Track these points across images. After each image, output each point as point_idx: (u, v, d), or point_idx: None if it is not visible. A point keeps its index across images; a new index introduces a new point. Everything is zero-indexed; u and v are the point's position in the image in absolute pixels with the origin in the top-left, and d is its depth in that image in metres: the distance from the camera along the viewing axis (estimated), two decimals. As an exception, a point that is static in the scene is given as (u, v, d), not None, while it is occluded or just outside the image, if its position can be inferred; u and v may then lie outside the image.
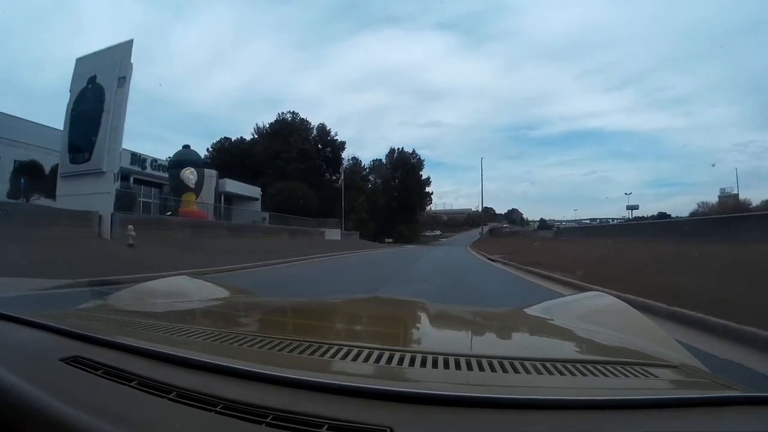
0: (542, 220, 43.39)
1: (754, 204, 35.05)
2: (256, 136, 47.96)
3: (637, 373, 0.66)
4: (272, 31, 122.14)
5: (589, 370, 0.65)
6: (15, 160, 17.66)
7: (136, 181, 23.68)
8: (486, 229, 61.11)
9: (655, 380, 0.67)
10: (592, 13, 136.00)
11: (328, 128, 50.47)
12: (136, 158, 23.96)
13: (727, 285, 5.25)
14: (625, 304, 1.31)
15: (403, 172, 54.71)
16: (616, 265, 9.33)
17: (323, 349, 0.71)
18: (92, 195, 12.86)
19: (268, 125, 48.55)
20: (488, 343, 1.09)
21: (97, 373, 0.61)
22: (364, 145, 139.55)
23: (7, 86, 41.31)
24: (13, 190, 16.63)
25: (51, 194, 14.59)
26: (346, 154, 52.21)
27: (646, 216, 47.50)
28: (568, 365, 0.66)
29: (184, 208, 20.59)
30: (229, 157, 43.94)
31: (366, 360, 0.66)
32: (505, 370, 0.63)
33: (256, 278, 8.66)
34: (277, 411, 0.49)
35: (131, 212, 16.62)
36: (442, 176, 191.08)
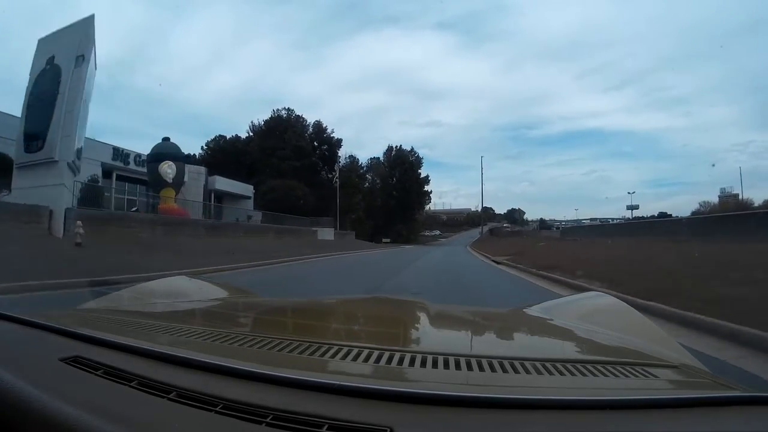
0: (542, 220, 42.35)
1: (756, 204, 34.82)
2: (251, 134, 46.79)
3: (637, 373, 0.66)
4: (272, 31, 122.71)
5: (589, 370, 0.65)
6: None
7: (119, 177, 22.47)
8: (486, 228, 59.59)
9: (655, 380, 0.67)
10: (592, 13, 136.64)
11: (324, 125, 49.03)
12: (119, 153, 22.37)
13: None
14: (625, 304, 1.32)
15: (402, 170, 53.26)
16: (665, 269, 7.14)
17: (323, 349, 0.71)
18: (46, 187, 11.42)
19: (263, 122, 47.27)
20: (488, 343, 1.08)
21: (97, 373, 0.61)
22: (364, 145, 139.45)
23: (7, 86, 41.34)
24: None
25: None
26: (343, 152, 50.91)
27: (645, 216, 47.56)
28: (568, 365, 0.66)
29: (163, 205, 19.19)
30: (224, 155, 43.07)
31: (366, 360, 0.66)
32: (505, 370, 0.63)
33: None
34: (277, 411, 0.48)
35: (100, 208, 15.15)
36: (441, 176, 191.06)
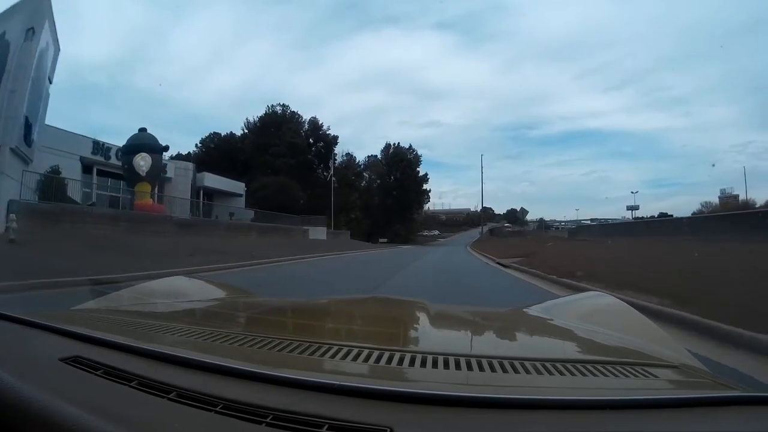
0: (542, 220, 40.96)
1: (759, 204, 34.17)
2: (246, 131, 45.65)
3: (637, 373, 0.66)
4: (271, 31, 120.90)
5: (589, 370, 0.65)
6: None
7: (101, 173, 20.94)
8: (485, 229, 58.13)
9: (655, 380, 0.67)
10: (592, 13, 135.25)
11: (320, 122, 47.63)
12: (99, 147, 20.68)
13: None
14: (625, 304, 1.31)
15: (400, 168, 51.34)
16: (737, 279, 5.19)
17: (323, 349, 0.71)
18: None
19: (257, 118, 45.95)
20: (488, 343, 1.08)
21: (97, 373, 0.60)
22: (364, 145, 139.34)
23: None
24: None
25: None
26: (340, 151, 49.49)
27: (644, 216, 46.66)
28: (568, 365, 0.66)
29: (138, 201, 17.74)
30: (219, 152, 42.13)
31: (366, 360, 0.66)
32: (505, 370, 0.63)
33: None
34: (277, 411, 0.48)
35: (62, 202, 13.69)
36: (440, 176, 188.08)
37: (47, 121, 14.75)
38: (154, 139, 18.75)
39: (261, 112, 46.70)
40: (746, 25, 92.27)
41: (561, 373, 0.63)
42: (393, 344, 0.80)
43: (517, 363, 0.65)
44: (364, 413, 0.48)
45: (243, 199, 33.66)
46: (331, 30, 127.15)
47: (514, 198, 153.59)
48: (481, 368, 0.64)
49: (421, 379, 0.63)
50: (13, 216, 8.96)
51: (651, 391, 0.63)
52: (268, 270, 10.40)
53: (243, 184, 34.35)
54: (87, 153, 20.19)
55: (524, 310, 1.37)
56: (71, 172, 17.06)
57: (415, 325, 1.20)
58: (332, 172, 42.12)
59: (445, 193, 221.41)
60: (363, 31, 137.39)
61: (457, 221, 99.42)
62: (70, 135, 19.24)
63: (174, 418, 0.49)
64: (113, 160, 21.17)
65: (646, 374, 0.67)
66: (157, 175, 18.84)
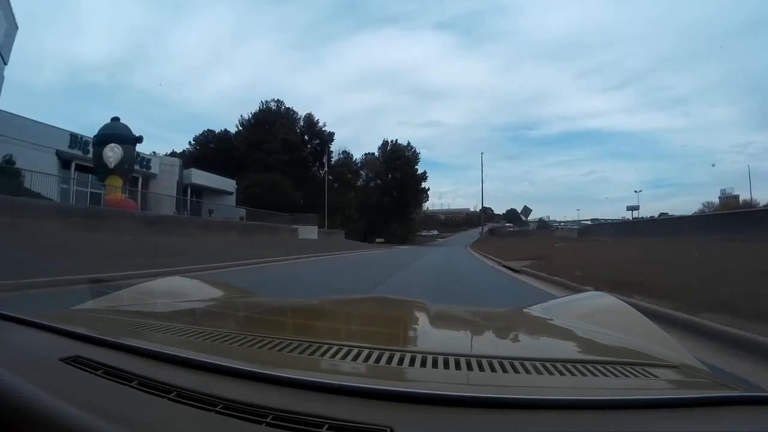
0: (541, 220, 39.46)
1: (761, 204, 33.18)
2: (240, 128, 44.26)
3: (637, 373, 0.66)
4: (270, 30, 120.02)
5: (589, 370, 0.65)
6: None
7: (80, 168, 19.50)
8: (485, 229, 56.64)
9: (655, 380, 0.67)
10: (592, 13, 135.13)
11: (316, 119, 46.24)
12: (77, 140, 19.22)
13: None
14: (625, 304, 1.32)
15: (397, 166, 49.67)
16: None
17: (323, 349, 0.70)
18: None
19: (251, 114, 44.52)
20: (488, 343, 1.08)
21: (97, 373, 0.60)
22: (362, 145, 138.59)
23: (6, 84, 39.40)
24: None
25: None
26: (337, 149, 48.04)
27: (644, 217, 45.50)
28: (568, 365, 0.66)
29: (109, 196, 16.31)
30: (212, 150, 41.26)
31: (366, 360, 0.66)
32: (505, 370, 0.63)
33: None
34: (277, 411, 0.48)
35: (16, 195, 12.24)
36: (440, 176, 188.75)
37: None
38: (126, 129, 17.20)
39: (257, 109, 45.26)
40: (746, 25, 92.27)
41: (561, 373, 0.63)
42: (393, 344, 0.81)
43: (517, 363, 0.65)
44: (364, 413, 0.48)
45: (233, 197, 32.70)
46: (331, 30, 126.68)
47: (514, 198, 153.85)
48: (481, 368, 0.64)
49: (421, 379, 0.63)
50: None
51: (651, 391, 0.63)
52: (233, 274, 8.62)
53: (234, 182, 33.35)
54: (64, 146, 18.99)
55: (524, 310, 1.37)
56: (46, 166, 16.19)
57: (415, 325, 1.21)
58: (326, 168, 40.54)
59: (445, 193, 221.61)
60: (362, 31, 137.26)
61: (456, 221, 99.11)
62: (45, 127, 18.12)
63: (174, 418, 0.49)
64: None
65: (646, 374, 0.67)
66: (130, 168, 17.34)
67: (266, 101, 44.80)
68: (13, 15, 12.58)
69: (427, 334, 1.10)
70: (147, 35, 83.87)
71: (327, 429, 0.45)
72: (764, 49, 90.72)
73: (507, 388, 0.58)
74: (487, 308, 2.18)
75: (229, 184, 32.83)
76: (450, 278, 9.00)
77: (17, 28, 13.26)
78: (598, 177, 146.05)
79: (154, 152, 28.49)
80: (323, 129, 45.83)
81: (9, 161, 13.31)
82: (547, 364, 0.65)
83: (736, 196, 42.39)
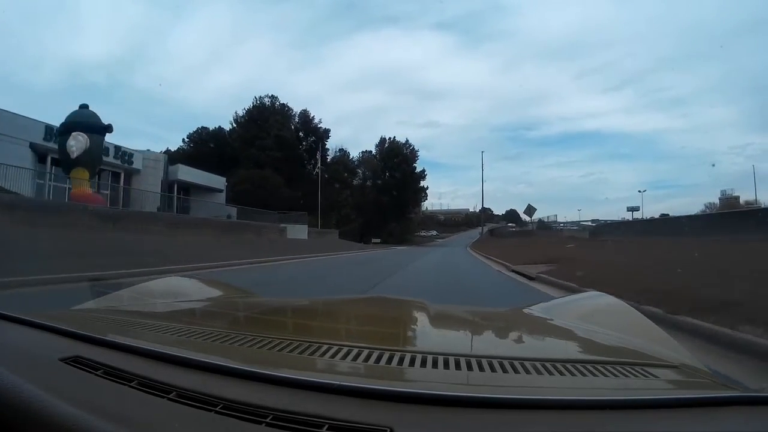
0: (541, 221, 38.15)
1: (765, 205, 32.13)
2: (234, 125, 42.80)
3: (637, 373, 0.66)
4: (269, 30, 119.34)
5: (589, 370, 0.65)
6: None
7: (55, 161, 18.07)
8: (485, 229, 55.13)
9: (655, 380, 0.66)
10: (591, 13, 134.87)
11: (311, 115, 44.63)
12: (53, 133, 17.87)
13: None
14: (625, 304, 1.31)
15: (395, 164, 47.46)
16: None
17: (323, 349, 0.70)
18: None
19: (244, 110, 43.04)
20: (488, 343, 1.08)
21: (97, 373, 0.60)
22: (362, 145, 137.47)
23: (6, 83, 40.64)
24: None
25: None
26: (334, 147, 46.52)
27: (643, 218, 44.51)
28: (568, 365, 0.66)
29: (76, 189, 14.81)
30: (206, 147, 40.07)
31: (366, 360, 0.66)
32: (505, 370, 0.63)
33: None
34: (277, 411, 0.48)
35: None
36: (439, 177, 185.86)
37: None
38: (94, 117, 15.49)
39: (251, 105, 43.86)
40: (745, 26, 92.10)
41: (561, 373, 0.63)
42: (393, 344, 0.81)
43: (517, 363, 0.65)
44: (364, 413, 0.48)
45: (223, 195, 31.28)
46: (330, 30, 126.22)
47: (513, 199, 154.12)
48: (481, 368, 0.63)
49: (421, 379, 0.63)
50: None
51: (651, 391, 0.63)
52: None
53: (223, 179, 31.90)
54: (38, 139, 17.74)
55: (524, 310, 1.36)
56: (21, 159, 15.46)
57: (414, 325, 1.21)
58: (320, 164, 38.84)
59: (444, 193, 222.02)
60: (362, 30, 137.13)
61: (455, 221, 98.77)
62: (18, 118, 17.08)
63: (174, 418, 0.49)
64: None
65: (646, 374, 0.66)
66: (97, 159, 15.69)
67: (260, 97, 43.27)
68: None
69: (427, 334, 1.10)
70: (146, 35, 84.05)
71: (327, 429, 0.45)
72: (764, 50, 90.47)
73: (507, 388, 0.59)
74: (487, 308, 2.19)
75: (218, 181, 31.49)
76: (452, 288, 7.30)
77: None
78: (598, 178, 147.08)
79: (148, 150, 27.19)
80: (319, 126, 44.30)
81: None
82: (547, 364, 0.65)
83: (737, 197, 42.29)
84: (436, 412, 0.49)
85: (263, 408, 0.49)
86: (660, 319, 3.87)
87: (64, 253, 7.57)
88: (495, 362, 0.65)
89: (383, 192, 46.88)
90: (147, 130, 72.05)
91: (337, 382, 0.53)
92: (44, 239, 8.81)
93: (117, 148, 23.85)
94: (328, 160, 45.06)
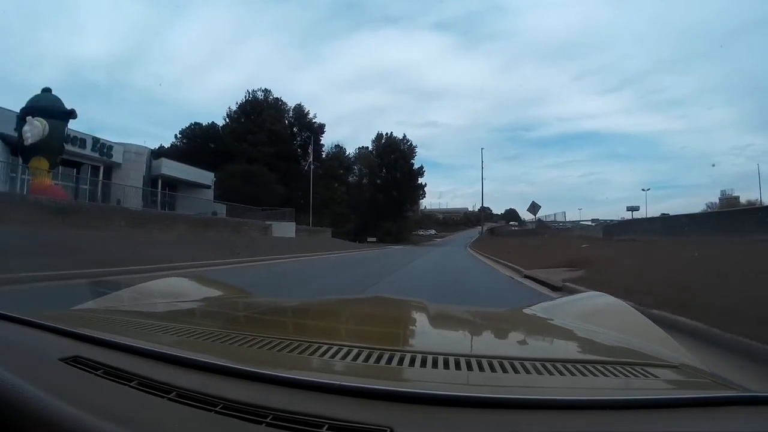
0: (540, 221, 36.83)
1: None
2: (227, 121, 41.33)
3: (637, 373, 0.66)
4: (269, 30, 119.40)
5: (589, 370, 0.64)
6: None
7: (14, 151, 16.63)
8: (485, 228, 53.64)
9: (655, 380, 0.66)
10: (591, 14, 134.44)
11: (306, 110, 43.09)
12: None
13: None
14: (625, 304, 1.31)
15: (392, 160, 46.06)
16: None
17: (323, 349, 0.70)
18: None
19: (237, 104, 41.48)
20: (488, 343, 1.08)
21: (97, 373, 0.60)
22: (360, 145, 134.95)
23: (6, 82, 40.95)
24: None
25: None
26: (329, 142, 44.93)
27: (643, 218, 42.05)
28: (568, 365, 0.66)
29: (35, 181, 13.53)
30: (199, 143, 38.83)
31: (366, 360, 0.66)
32: (505, 370, 0.63)
33: None
34: (277, 411, 0.48)
35: None
36: (438, 176, 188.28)
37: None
38: (56, 101, 13.98)
39: (243, 99, 42.36)
40: (745, 27, 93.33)
41: (561, 373, 0.63)
42: (393, 344, 0.81)
43: (517, 363, 0.65)
44: (364, 413, 0.48)
45: (211, 191, 30.04)
46: (330, 30, 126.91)
47: (512, 199, 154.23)
48: (481, 368, 0.63)
49: (421, 379, 0.62)
50: None
51: (651, 391, 0.63)
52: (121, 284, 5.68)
53: (212, 174, 30.54)
54: (9, 130, 16.33)
55: (524, 310, 1.36)
56: None
57: (415, 325, 1.20)
58: (311, 158, 37.19)
59: (443, 193, 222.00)
60: (361, 30, 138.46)
61: (454, 221, 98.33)
62: None
63: (174, 418, 0.49)
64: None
65: (646, 374, 0.66)
66: (58, 147, 14.15)
67: (253, 90, 41.70)
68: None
69: (427, 334, 1.09)
70: (144, 34, 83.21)
71: (327, 429, 0.45)
72: (763, 51, 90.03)
73: (507, 388, 0.58)
74: (487, 308, 2.18)
75: (206, 177, 30.03)
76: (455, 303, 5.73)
77: None
78: (597, 178, 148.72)
79: (152, 150, 25.98)
80: (313, 120, 42.72)
81: None
82: (547, 364, 0.65)
83: (737, 198, 41.92)
84: (436, 412, 0.49)
85: (263, 408, 0.49)
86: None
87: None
88: (495, 362, 0.65)
89: (380, 189, 45.38)
90: (145, 130, 72.94)
91: (338, 382, 0.53)
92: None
93: (95, 140, 22.35)
94: (323, 156, 43.49)
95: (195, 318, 1.15)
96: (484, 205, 62.54)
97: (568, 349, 0.93)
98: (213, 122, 41.36)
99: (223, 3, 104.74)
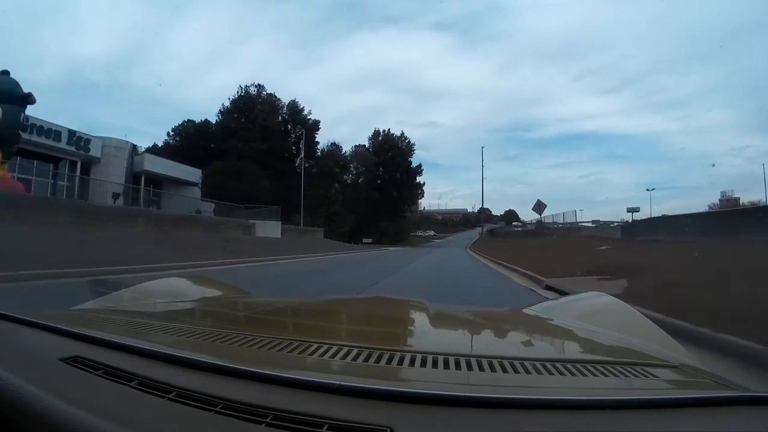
0: (539, 221, 35.64)
1: None
2: (220, 118, 40.01)
3: (637, 373, 0.66)
4: (269, 30, 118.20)
5: (589, 370, 0.64)
6: None
7: None
8: (485, 229, 52.30)
9: (655, 380, 0.66)
10: (590, 15, 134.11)
11: (300, 106, 41.64)
12: None
13: None
14: (625, 304, 1.29)
15: (389, 157, 44.35)
16: None
17: (323, 349, 0.70)
18: None
19: (229, 99, 40.09)
20: (488, 343, 1.08)
21: (97, 373, 0.60)
22: (360, 145, 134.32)
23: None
24: None
25: None
26: (327, 141, 43.46)
27: (643, 219, 41.25)
28: (568, 365, 0.66)
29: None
30: (192, 141, 37.85)
31: (366, 360, 0.66)
32: (505, 370, 0.63)
33: None
34: (277, 411, 0.48)
35: None
36: (437, 177, 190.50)
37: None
38: (12, 84, 12.41)
39: (236, 95, 41.10)
40: (744, 29, 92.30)
41: (561, 373, 0.62)
42: (393, 344, 0.81)
43: (517, 363, 0.65)
44: (364, 413, 0.48)
45: (198, 188, 29.10)
46: (330, 30, 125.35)
47: (511, 199, 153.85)
48: (481, 368, 0.63)
49: (421, 379, 0.62)
50: None
51: (651, 391, 0.63)
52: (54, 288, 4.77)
53: (199, 171, 29.51)
54: None
55: (524, 310, 1.35)
56: None
57: (415, 325, 1.20)
58: (302, 153, 35.54)
59: (443, 194, 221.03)
60: (361, 30, 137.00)
61: (453, 221, 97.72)
62: None
63: (174, 418, 0.49)
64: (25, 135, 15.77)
65: (646, 374, 0.66)
66: (13, 135, 12.51)
67: (245, 86, 40.25)
68: None
69: (427, 334, 1.09)
70: (145, 34, 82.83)
71: (327, 429, 0.45)
72: (763, 52, 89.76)
73: (507, 388, 0.58)
74: (487, 308, 2.16)
75: (193, 173, 28.88)
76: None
77: None
78: (596, 179, 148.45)
79: (146, 148, 24.76)
80: (308, 117, 41.25)
81: None
82: (547, 364, 0.65)
83: (737, 198, 41.65)
84: (436, 412, 0.49)
85: (263, 408, 0.48)
86: None
87: None
88: (495, 362, 0.65)
89: (376, 188, 43.63)
90: (145, 130, 72.79)
91: (338, 382, 0.53)
92: None
93: (71, 132, 20.89)
94: (318, 154, 42.03)
95: (195, 318, 1.15)
96: (483, 207, 60.95)
97: (569, 349, 0.93)
98: (206, 119, 40.03)
99: (223, 3, 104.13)
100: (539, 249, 14.83)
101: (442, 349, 0.76)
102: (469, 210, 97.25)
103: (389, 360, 0.65)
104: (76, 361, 0.63)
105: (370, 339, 0.90)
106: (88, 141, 21.36)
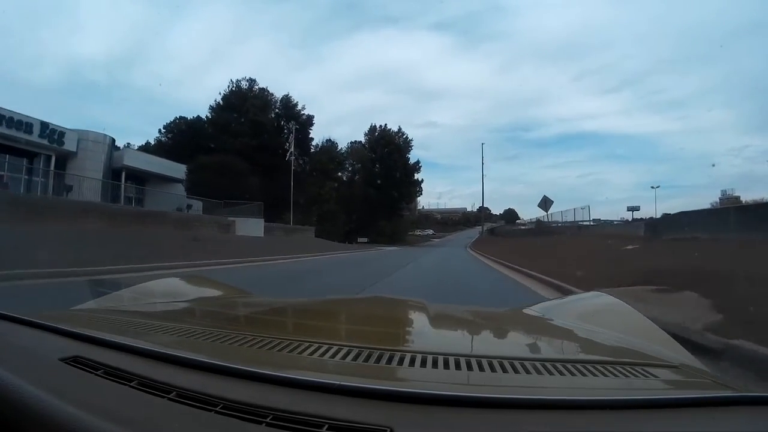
0: (539, 221, 34.40)
1: None
2: (211, 114, 38.56)
3: (637, 373, 0.66)
4: (269, 29, 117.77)
5: (589, 370, 0.64)
6: None
7: None
8: (485, 228, 51.06)
9: (654, 380, 0.66)
10: (590, 15, 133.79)
11: (294, 101, 40.02)
12: None
13: None
14: (625, 304, 1.28)
15: (386, 153, 42.19)
16: None
17: (323, 349, 0.70)
18: None
19: (220, 94, 38.60)
20: (488, 343, 1.07)
21: (97, 373, 0.60)
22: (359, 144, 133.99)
23: (5, 81, 38.30)
24: None
25: None
26: (320, 136, 41.90)
27: (643, 218, 40.54)
28: (568, 365, 0.66)
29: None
30: (184, 138, 36.06)
31: (366, 360, 0.66)
32: (505, 370, 0.63)
33: None
34: (277, 411, 0.48)
35: None
36: (437, 177, 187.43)
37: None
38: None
39: (227, 90, 39.65)
40: (744, 29, 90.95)
41: (561, 373, 0.62)
42: (393, 344, 0.81)
43: (517, 363, 0.65)
44: (364, 413, 0.48)
45: (182, 185, 27.78)
46: (330, 30, 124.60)
47: (511, 199, 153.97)
48: (481, 368, 0.63)
49: (421, 379, 0.62)
50: None
51: (651, 391, 0.63)
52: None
53: (183, 167, 27.94)
54: None
55: (524, 310, 1.35)
56: None
57: (414, 325, 1.20)
58: (292, 147, 33.81)
59: (442, 193, 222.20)
60: (361, 30, 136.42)
61: (453, 221, 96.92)
62: None
63: (174, 418, 0.49)
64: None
65: (646, 374, 0.66)
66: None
67: (237, 80, 38.65)
68: None
69: (427, 334, 1.08)
70: (145, 34, 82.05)
71: (327, 429, 0.45)
72: (762, 52, 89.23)
73: (507, 388, 0.58)
74: (487, 308, 2.17)
75: (177, 169, 27.39)
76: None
77: None
78: (596, 179, 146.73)
79: (140, 147, 23.39)
80: (302, 112, 39.59)
81: None
82: (547, 364, 0.65)
83: (737, 197, 40.54)
84: (436, 412, 0.49)
85: (263, 408, 0.48)
86: None
87: None
88: (495, 362, 0.65)
89: (373, 185, 41.73)
90: (145, 130, 72.44)
91: (338, 382, 0.53)
92: None
93: (44, 124, 19.45)
94: (312, 150, 40.52)
95: (195, 318, 1.15)
96: (484, 206, 59.60)
97: (568, 349, 0.93)
98: (198, 116, 38.29)
99: (223, 3, 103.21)
100: (550, 249, 13.26)
101: (442, 349, 0.77)
102: (469, 209, 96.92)
103: (389, 360, 0.65)
104: (76, 361, 0.63)
105: (370, 339, 0.90)
106: (62, 134, 19.93)
